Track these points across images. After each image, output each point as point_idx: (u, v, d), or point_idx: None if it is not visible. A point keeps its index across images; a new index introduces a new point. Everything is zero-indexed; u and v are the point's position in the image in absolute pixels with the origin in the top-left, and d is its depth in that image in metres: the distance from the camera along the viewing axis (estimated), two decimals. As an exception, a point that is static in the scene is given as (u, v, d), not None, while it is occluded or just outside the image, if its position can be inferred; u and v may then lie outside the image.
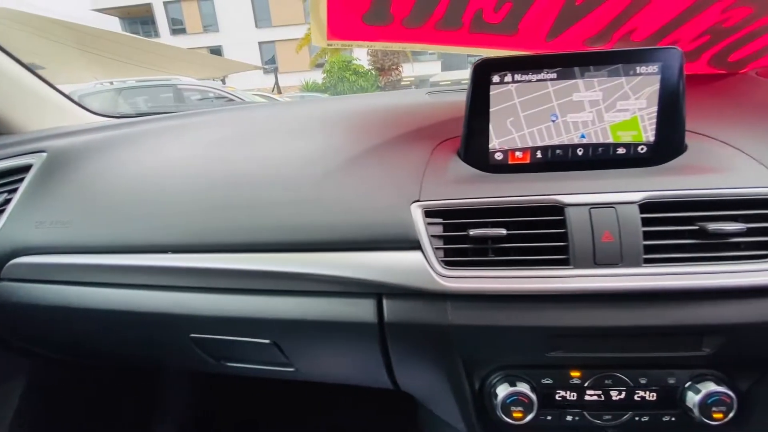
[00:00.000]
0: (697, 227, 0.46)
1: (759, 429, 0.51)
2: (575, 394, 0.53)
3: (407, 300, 0.49)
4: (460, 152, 0.57)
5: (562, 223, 0.47)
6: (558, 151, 0.55)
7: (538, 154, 0.56)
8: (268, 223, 0.52)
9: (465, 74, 0.62)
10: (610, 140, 0.55)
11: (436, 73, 21.37)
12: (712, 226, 0.45)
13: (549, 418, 0.53)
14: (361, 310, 0.49)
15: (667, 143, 0.53)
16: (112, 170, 0.63)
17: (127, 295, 0.55)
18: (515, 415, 0.51)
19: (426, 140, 0.60)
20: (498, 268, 0.47)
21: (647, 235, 0.46)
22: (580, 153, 0.55)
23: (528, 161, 0.56)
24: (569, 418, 0.53)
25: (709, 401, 0.49)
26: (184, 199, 0.56)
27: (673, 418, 0.52)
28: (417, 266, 0.48)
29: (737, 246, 0.46)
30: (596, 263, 0.46)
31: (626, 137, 0.55)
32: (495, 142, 0.55)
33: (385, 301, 0.49)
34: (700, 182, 0.48)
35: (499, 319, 0.47)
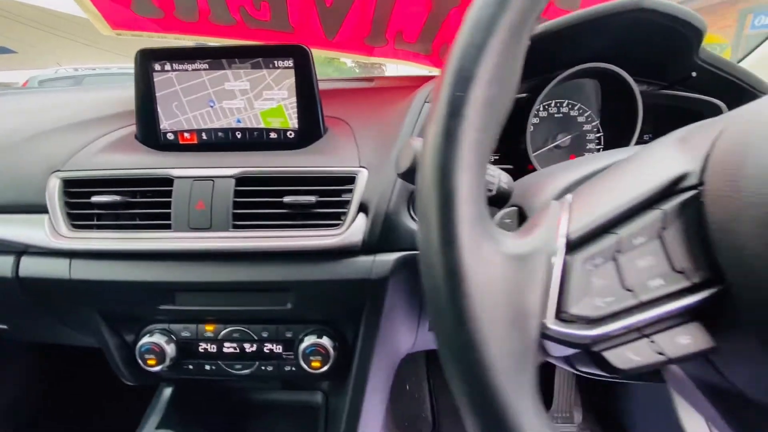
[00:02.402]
0: (280, 199, 0.53)
1: (357, 375, 0.59)
2: (215, 347, 0.60)
3: (39, 257, 0.56)
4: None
5: (171, 193, 0.54)
6: (220, 134, 0.63)
7: (204, 136, 0.63)
8: None
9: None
10: (262, 125, 0.62)
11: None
12: (288, 199, 0.53)
13: (191, 367, 0.61)
14: (1, 266, 0.56)
15: (307, 129, 0.61)
16: None
17: None
18: (149, 362, 0.58)
19: (124, 121, 0.66)
20: (114, 231, 0.54)
21: (238, 205, 0.53)
22: (239, 136, 0.63)
23: (196, 142, 0.63)
24: (208, 367, 0.60)
25: (308, 351, 0.57)
26: None
27: (293, 368, 0.59)
28: (45, 228, 0.54)
29: (312, 216, 0.53)
30: (190, 227, 0.53)
31: (276, 123, 0.62)
32: (165, 124, 0.62)
33: (22, 259, 0.56)
34: (302, 161, 0.56)
35: (113, 275, 0.54)
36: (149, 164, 0.57)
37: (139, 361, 0.58)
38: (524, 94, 0.59)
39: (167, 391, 0.69)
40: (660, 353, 0.22)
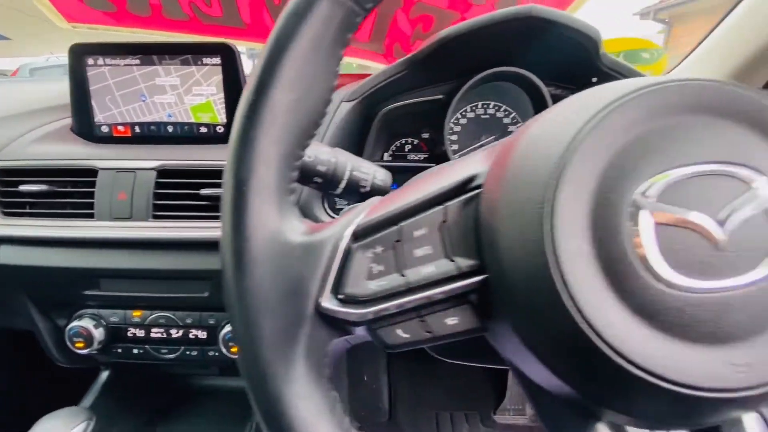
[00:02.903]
0: (198, 191, 0.56)
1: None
2: (142, 332, 0.63)
3: None
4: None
5: (95, 184, 0.57)
6: (152, 128, 0.65)
7: (137, 129, 0.65)
8: None
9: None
10: (192, 120, 0.64)
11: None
12: (205, 191, 0.55)
13: (120, 350, 0.63)
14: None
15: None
16: None
17: None
18: (77, 345, 0.60)
19: (62, 113, 0.68)
20: (42, 219, 0.57)
21: (158, 196, 0.56)
22: (170, 130, 0.65)
23: (130, 135, 0.65)
24: (136, 351, 0.63)
25: (227, 337, 0.59)
26: None
27: (216, 353, 0.62)
28: None
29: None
30: (112, 217, 0.56)
31: (205, 118, 0.64)
32: (99, 117, 0.65)
33: None
34: (223, 155, 0.58)
35: (39, 260, 0.57)
36: (77, 155, 0.59)
37: (68, 344, 0.61)
38: (440, 96, 0.62)
39: (104, 375, 0.72)
40: (428, 331, 0.24)
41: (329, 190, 0.40)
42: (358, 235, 0.25)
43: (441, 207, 0.25)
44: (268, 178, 0.24)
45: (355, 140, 0.63)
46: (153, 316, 0.62)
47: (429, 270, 0.24)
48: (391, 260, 0.25)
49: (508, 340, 0.24)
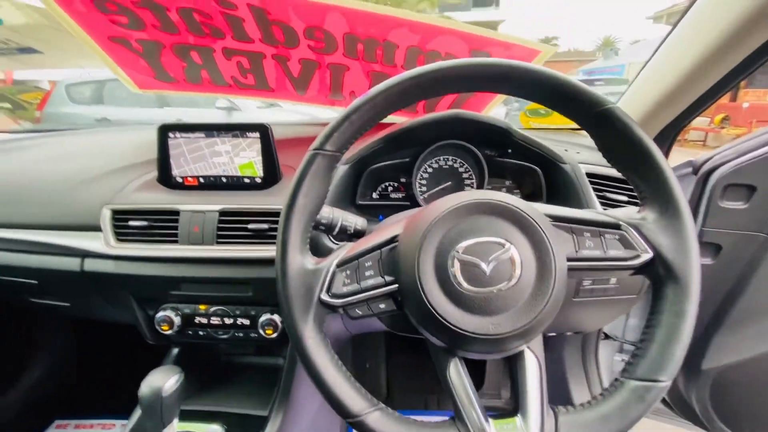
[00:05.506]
0: (247, 225, 0.84)
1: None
2: (205, 320, 0.91)
3: (96, 259, 0.88)
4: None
5: (178, 220, 0.86)
6: (211, 179, 0.94)
7: (201, 180, 0.94)
8: (22, 212, 0.91)
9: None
10: (239, 174, 0.93)
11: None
12: (251, 225, 0.84)
13: (190, 332, 0.92)
14: (69, 263, 0.88)
15: (269, 177, 0.92)
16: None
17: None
18: (164, 328, 0.90)
19: (148, 167, 0.98)
20: (143, 243, 0.86)
21: (220, 229, 0.85)
22: (224, 180, 0.94)
23: (196, 184, 0.94)
24: (201, 333, 0.92)
25: (264, 323, 0.88)
26: None
27: (255, 335, 0.91)
28: (102, 240, 0.87)
29: (266, 236, 0.84)
30: (190, 242, 0.85)
31: (248, 172, 0.93)
32: (175, 171, 0.94)
33: (85, 260, 0.88)
34: (261, 201, 0.87)
35: (142, 270, 0.86)
36: (165, 201, 0.88)
37: (157, 327, 0.90)
38: (407, 159, 0.89)
39: (174, 350, 1.02)
40: (370, 310, 0.52)
41: (329, 233, 0.67)
42: (339, 264, 0.53)
43: (378, 251, 0.52)
44: (295, 239, 0.52)
45: (350, 188, 0.91)
46: (213, 309, 0.90)
47: (371, 282, 0.51)
48: (354, 277, 0.52)
49: (410, 318, 0.51)
